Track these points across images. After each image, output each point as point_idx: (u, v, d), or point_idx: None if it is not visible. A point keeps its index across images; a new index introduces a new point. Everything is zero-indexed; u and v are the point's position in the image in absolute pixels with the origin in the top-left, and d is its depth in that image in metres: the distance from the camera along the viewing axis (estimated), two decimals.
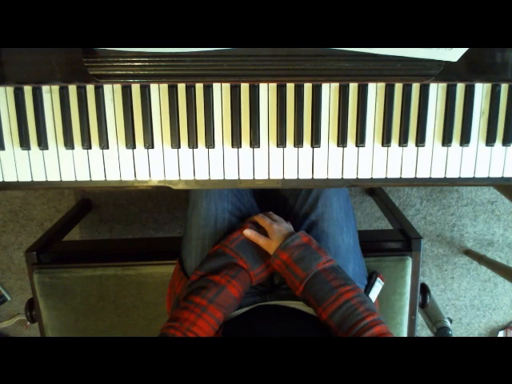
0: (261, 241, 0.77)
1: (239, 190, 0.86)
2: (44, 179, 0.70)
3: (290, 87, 0.66)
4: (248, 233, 0.78)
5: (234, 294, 0.73)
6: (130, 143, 0.68)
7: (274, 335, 0.66)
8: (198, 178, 0.70)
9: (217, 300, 0.71)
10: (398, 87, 0.66)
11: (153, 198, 1.53)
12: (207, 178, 0.70)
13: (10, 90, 0.66)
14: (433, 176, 0.69)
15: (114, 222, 1.56)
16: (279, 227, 0.78)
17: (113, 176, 0.70)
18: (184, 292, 0.75)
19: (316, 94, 0.66)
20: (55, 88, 0.66)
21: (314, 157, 0.69)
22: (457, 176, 0.69)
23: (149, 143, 0.68)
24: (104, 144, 0.68)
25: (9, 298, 1.63)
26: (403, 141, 0.67)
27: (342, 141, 0.67)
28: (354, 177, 0.70)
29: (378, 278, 0.87)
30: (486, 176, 0.69)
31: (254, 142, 0.67)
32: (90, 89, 0.66)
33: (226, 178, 0.70)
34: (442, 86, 0.66)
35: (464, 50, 0.63)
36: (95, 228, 1.57)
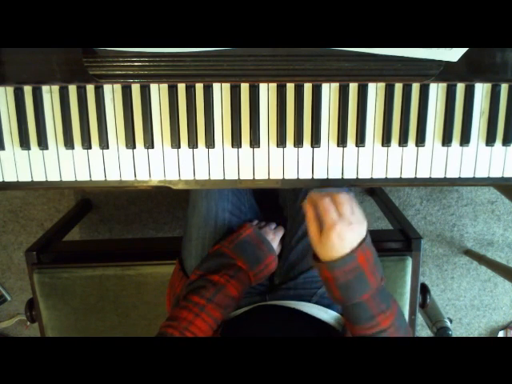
0: (312, 227, 0.59)
1: (239, 190, 0.86)
2: (44, 179, 0.70)
3: (290, 87, 0.66)
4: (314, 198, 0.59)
5: (233, 293, 0.73)
6: (130, 143, 0.68)
7: (273, 335, 0.66)
8: (197, 177, 0.70)
9: (215, 299, 0.71)
10: (398, 87, 0.66)
11: (153, 198, 1.53)
12: (207, 178, 0.70)
13: (10, 89, 0.66)
14: (433, 176, 0.69)
15: (113, 222, 1.56)
16: (343, 234, 0.56)
17: (113, 176, 0.70)
18: (184, 291, 0.76)
19: (316, 93, 0.66)
20: (55, 88, 0.66)
21: (313, 157, 0.69)
22: (457, 176, 0.69)
23: (149, 143, 0.68)
24: (104, 144, 0.68)
25: (9, 298, 1.63)
26: (403, 141, 0.67)
27: (342, 141, 0.67)
28: (354, 177, 0.70)
29: None
30: (486, 176, 0.69)
31: (254, 142, 0.67)
32: (90, 89, 0.66)
33: (226, 178, 0.70)
34: (442, 86, 0.66)
35: (464, 50, 0.63)
36: (95, 228, 1.57)
